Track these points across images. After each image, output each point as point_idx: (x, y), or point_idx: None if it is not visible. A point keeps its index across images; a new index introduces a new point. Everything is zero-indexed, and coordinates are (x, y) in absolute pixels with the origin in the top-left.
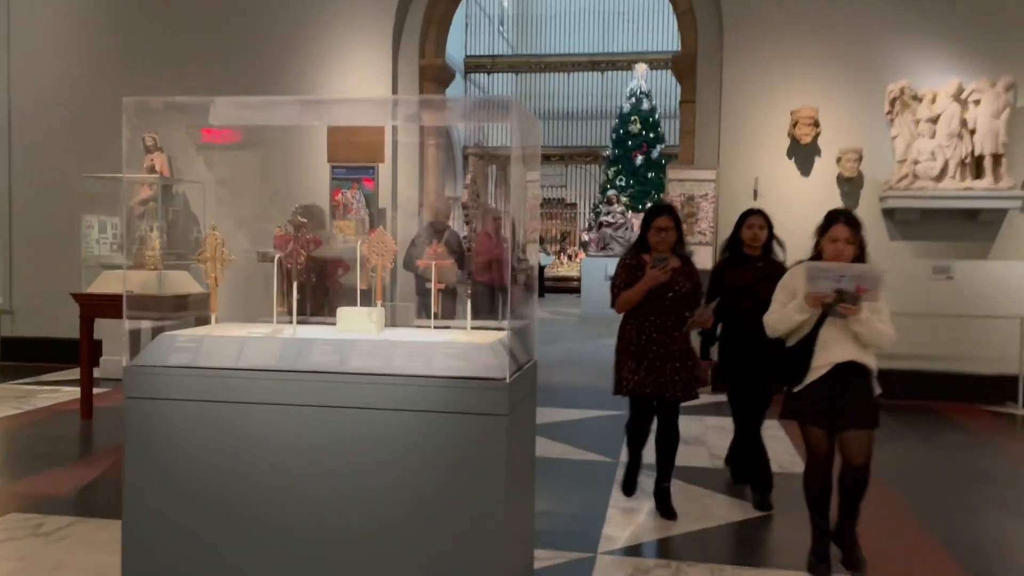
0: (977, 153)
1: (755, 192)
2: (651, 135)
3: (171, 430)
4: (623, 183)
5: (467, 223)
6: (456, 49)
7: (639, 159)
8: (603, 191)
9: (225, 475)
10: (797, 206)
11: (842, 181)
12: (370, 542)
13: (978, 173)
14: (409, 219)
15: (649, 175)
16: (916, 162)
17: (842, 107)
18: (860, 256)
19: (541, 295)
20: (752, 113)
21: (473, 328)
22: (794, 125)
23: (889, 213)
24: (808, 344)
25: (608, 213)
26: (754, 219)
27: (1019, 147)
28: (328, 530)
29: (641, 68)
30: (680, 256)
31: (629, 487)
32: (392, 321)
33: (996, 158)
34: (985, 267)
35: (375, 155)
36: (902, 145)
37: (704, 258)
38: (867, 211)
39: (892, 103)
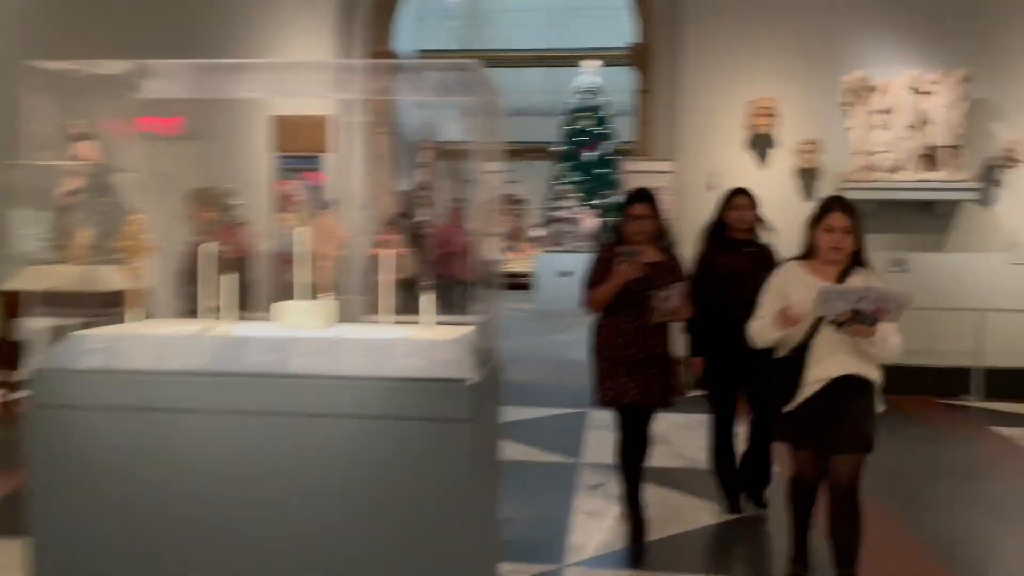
0: (933, 145)
1: (712, 183)
2: (601, 132)
3: (82, 441)
4: (574, 179)
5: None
6: (409, 44)
7: (589, 155)
8: (552, 187)
9: (145, 491)
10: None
11: (801, 173)
12: (316, 565)
13: (934, 165)
14: (359, 210)
15: (600, 171)
16: (872, 153)
17: (800, 98)
18: (858, 250)
19: None
20: (709, 104)
21: (435, 324)
22: (751, 116)
23: None
24: (800, 355)
25: (560, 208)
26: (740, 199)
27: (975, 139)
28: (268, 553)
29: (590, 64)
30: (662, 247)
31: (638, 530)
32: (345, 317)
33: (952, 150)
34: (940, 259)
35: (320, 144)
36: (858, 136)
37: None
38: None
39: (848, 94)
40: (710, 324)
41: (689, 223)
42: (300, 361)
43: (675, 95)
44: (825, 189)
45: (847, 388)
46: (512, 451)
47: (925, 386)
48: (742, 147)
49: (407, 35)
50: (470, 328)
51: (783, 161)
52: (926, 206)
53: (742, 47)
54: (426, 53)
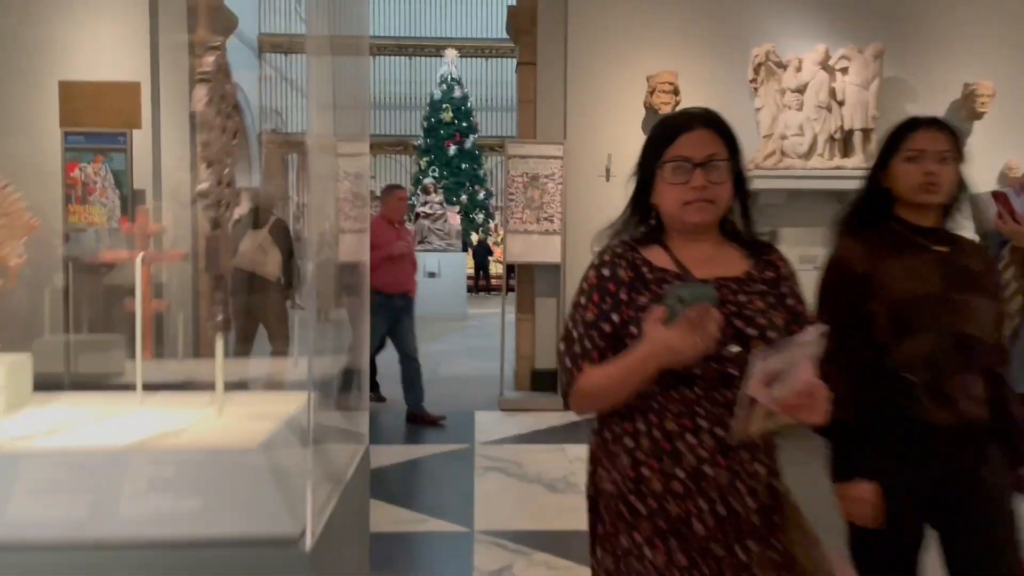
0: (847, 128)
1: (607, 170)
2: (464, 124)
3: None
4: (436, 174)
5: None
6: (249, 25)
7: (452, 149)
8: (416, 182)
9: None
10: None
11: None
12: None
13: (847, 150)
14: (180, 204)
15: (463, 166)
16: (784, 137)
17: (704, 73)
18: (959, 186)
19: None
20: (604, 78)
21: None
22: (651, 92)
23: (752, 196)
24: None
25: (425, 203)
26: (931, 135)
27: (890, 120)
28: None
29: (451, 54)
30: (753, 243)
31: None
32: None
33: (866, 133)
34: None
35: (129, 118)
36: (768, 118)
37: (551, 251)
38: None
39: (756, 70)
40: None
41: (582, 216)
42: None
43: (563, 67)
44: None
45: None
46: (387, 517)
47: None
48: (642, 127)
49: (250, 17)
50: (308, 401)
51: None
52: (840, 196)
53: (640, 14)
54: (272, 38)
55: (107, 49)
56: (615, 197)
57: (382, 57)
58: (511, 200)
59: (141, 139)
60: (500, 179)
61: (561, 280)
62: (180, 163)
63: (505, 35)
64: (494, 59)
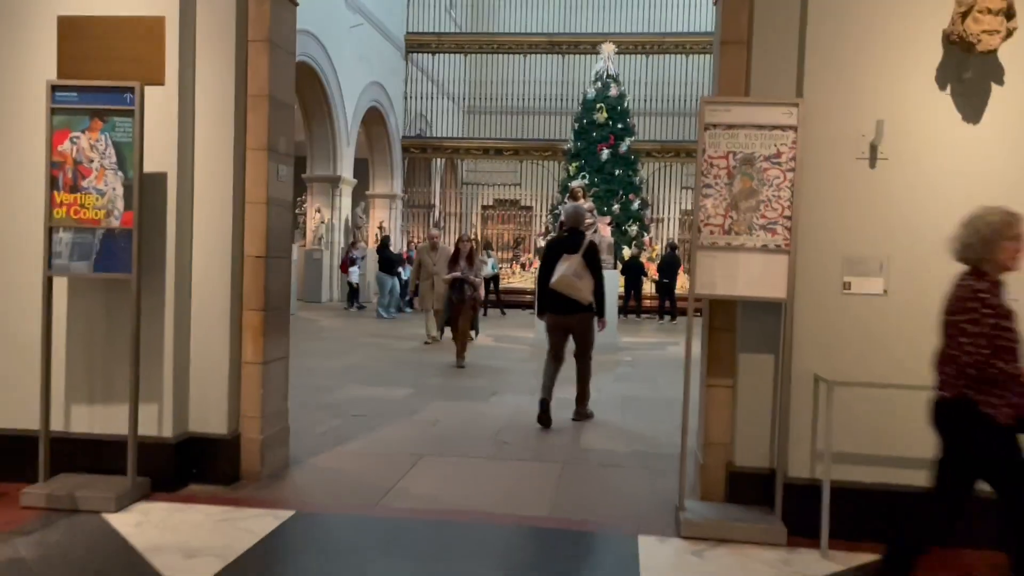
0: None
1: (872, 149)
2: (619, 126)
3: None
4: (586, 180)
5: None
6: (396, 25)
7: (605, 153)
8: (563, 189)
9: None
10: (963, 178)
11: None
12: None
13: None
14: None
15: (616, 172)
16: None
17: None
18: None
19: (502, 312)
20: None
21: None
22: (963, 15)
23: None
24: None
25: None
26: None
27: None
28: None
29: (608, 48)
30: None
31: None
32: None
33: None
34: None
35: (148, 68)
36: None
37: (772, 280)
38: None
39: None
40: None
41: (828, 222)
42: None
43: None
44: None
45: None
46: None
47: None
48: (937, 78)
49: (398, 17)
50: None
51: None
52: None
53: None
54: (419, 37)
55: None
56: (887, 192)
57: (533, 55)
58: (706, 195)
59: (160, 100)
60: (657, 188)
61: (785, 326)
62: (221, 137)
63: (669, 29)
64: (655, 56)
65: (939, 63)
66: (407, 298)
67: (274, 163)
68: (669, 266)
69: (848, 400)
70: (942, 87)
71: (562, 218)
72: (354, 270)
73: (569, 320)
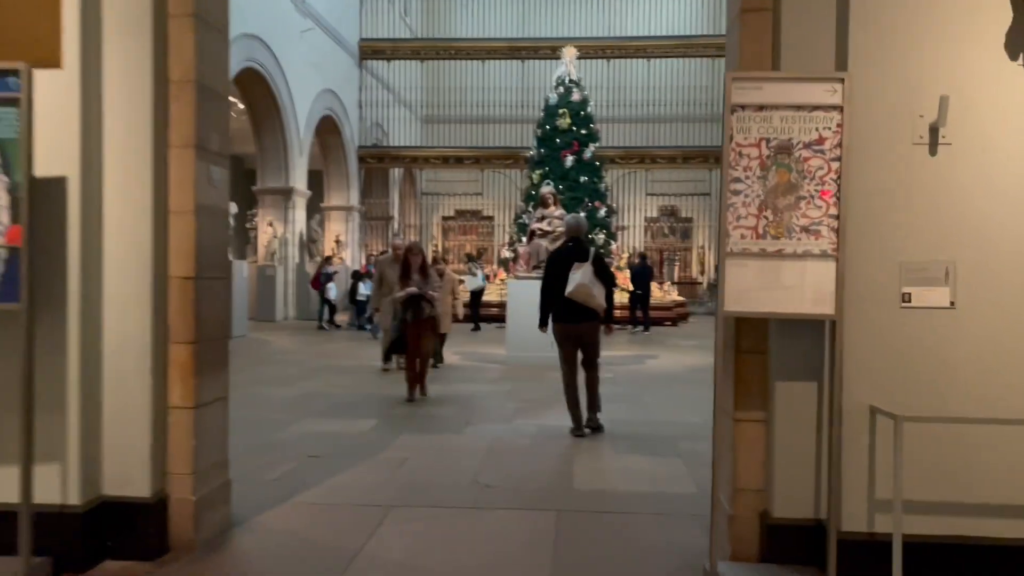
0: None
1: (933, 132)
2: (583, 131)
3: None
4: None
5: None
6: (350, 31)
7: (569, 160)
8: (527, 198)
9: None
10: None
11: None
12: None
13: None
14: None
15: (581, 179)
16: None
17: None
18: None
19: (476, 327)
20: None
21: None
22: None
23: None
24: None
25: (543, 219)
26: None
27: None
28: None
29: (570, 52)
30: None
31: None
32: None
33: None
34: None
35: (41, 47)
36: None
37: (816, 293)
38: None
39: None
40: None
41: (880, 221)
42: None
43: None
44: None
45: None
46: None
47: None
48: (1005, 44)
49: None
50: None
51: None
52: None
53: None
54: (373, 43)
55: None
56: (952, 183)
57: (492, 61)
58: (735, 191)
59: (58, 86)
60: (621, 195)
61: (831, 349)
62: (136, 131)
63: (631, 34)
64: (616, 60)
65: (1008, 25)
66: (367, 315)
67: (204, 163)
68: (640, 276)
69: (910, 436)
70: (1014, 56)
71: (561, 228)
72: (331, 286)
73: (580, 328)
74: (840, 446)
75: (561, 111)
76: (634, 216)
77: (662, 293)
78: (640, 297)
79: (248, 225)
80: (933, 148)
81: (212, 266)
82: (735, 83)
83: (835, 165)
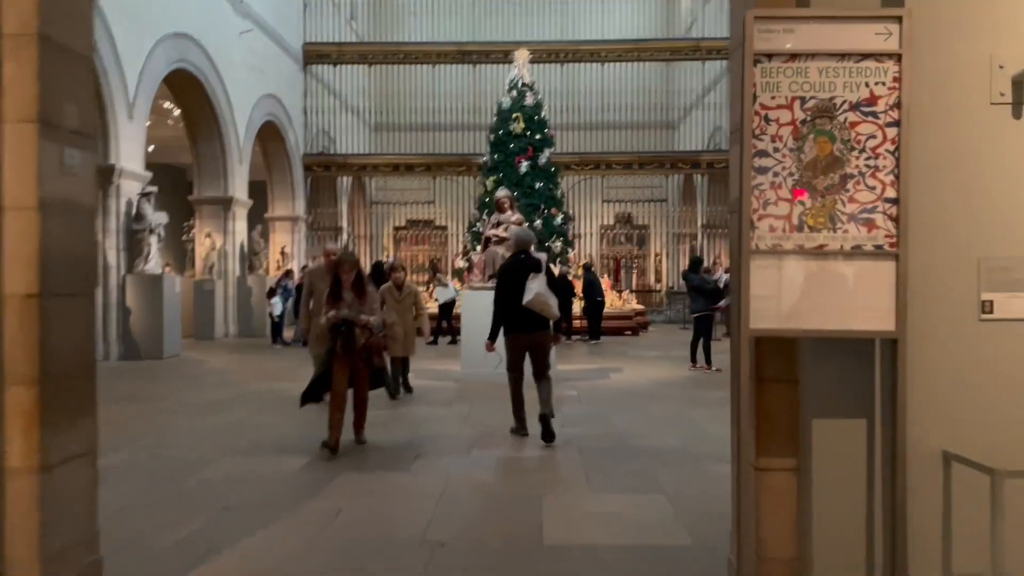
0: None
1: (1018, 88)
2: (537, 136)
3: None
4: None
5: None
6: (292, 35)
7: (524, 166)
8: (481, 206)
9: None
10: None
11: None
12: None
13: None
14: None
15: (537, 185)
16: None
17: None
18: None
19: (434, 341)
20: None
21: None
22: None
23: None
24: None
25: (499, 225)
26: None
27: None
28: None
29: (522, 55)
30: None
31: None
32: None
33: None
34: None
35: None
36: None
37: (872, 303)
38: None
39: None
40: None
41: (948, 196)
42: None
43: None
44: None
45: None
46: None
47: None
48: None
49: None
50: None
51: None
52: None
53: None
54: (318, 47)
55: None
56: None
57: (442, 65)
58: (760, 169)
59: None
60: (577, 202)
61: (890, 376)
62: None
63: (583, 37)
64: (569, 64)
65: None
66: (297, 338)
67: (54, 144)
68: (592, 286)
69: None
70: None
71: (510, 241)
72: (275, 301)
73: (534, 339)
74: (904, 504)
75: (515, 115)
76: (590, 223)
77: (621, 302)
78: (599, 305)
79: (184, 237)
80: (1018, 109)
81: (67, 279)
82: (758, 23)
83: (891, 132)
